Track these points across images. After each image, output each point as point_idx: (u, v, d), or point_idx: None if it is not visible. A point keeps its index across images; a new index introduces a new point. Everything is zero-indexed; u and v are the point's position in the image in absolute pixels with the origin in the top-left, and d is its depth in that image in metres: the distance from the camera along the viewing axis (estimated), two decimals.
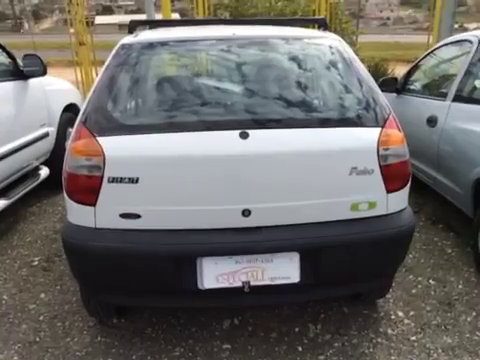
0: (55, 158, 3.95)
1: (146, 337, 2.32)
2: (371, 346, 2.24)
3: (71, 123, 3.30)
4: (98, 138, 1.83)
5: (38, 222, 3.69)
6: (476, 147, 2.82)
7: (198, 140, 1.84)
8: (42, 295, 2.68)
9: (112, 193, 1.83)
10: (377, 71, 8.35)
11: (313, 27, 3.08)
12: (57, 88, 4.37)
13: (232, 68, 2.17)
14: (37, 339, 2.32)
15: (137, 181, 1.80)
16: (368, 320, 2.43)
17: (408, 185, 2.02)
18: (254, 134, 1.83)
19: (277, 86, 2.13)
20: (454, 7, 6.65)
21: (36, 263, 3.04)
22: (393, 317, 2.45)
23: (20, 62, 3.76)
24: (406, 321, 2.42)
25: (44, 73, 3.88)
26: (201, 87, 2.17)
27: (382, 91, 2.13)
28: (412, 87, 4.03)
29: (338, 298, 2.52)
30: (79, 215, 1.90)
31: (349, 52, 2.22)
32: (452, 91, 3.23)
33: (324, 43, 2.30)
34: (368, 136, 1.92)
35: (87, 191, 1.85)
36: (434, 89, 3.75)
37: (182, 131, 1.86)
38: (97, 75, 2.25)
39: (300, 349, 2.23)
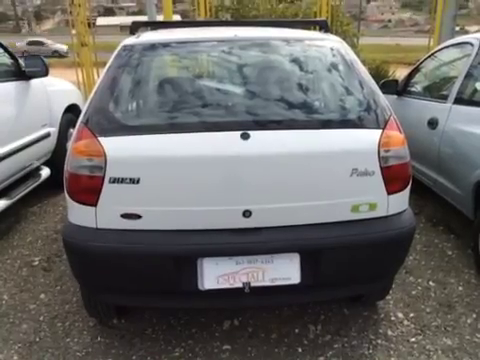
0: (56, 158, 3.98)
1: (146, 338, 2.32)
2: (371, 347, 2.24)
3: (72, 124, 3.32)
4: (100, 138, 1.83)
5: (39, 222, 3.70)
6: (477, 149, 2.82)
7: (199, 141, 1.84)
8: (42, 295, 2.68)
9: (113, 193, 1.83)
10: (378, 73, 8.34)
11: (314, 29, 3.09)
12: (59, 89, 4.38)
13: (233, 69, 2.18)
14: (37, 339, 2.32)
15: (138, 181, 1.80)
16: (368, 321, 2.43)
17: (409, 187, 2.02)
18: (255, 135, 1.84)
19: (278, 87, 2.13)
20: (455, 10, 6.65)
21: (37, 263, 3.04)
22: (393, 319, 2.45)
23: (22, 63, 3.78)
24: (406, 323, 2.42)
25: (46, 74, 3.89)
26: (203, 88, 2.17)
27: (383, 93, 2.13)
28: (413, 89, 4.03)
29: (338, 299, 2.52)
30: (80, 215, 1.91)
31: (350, 54, 2.22)
32: (453, 93, 3.23)
33: (325, 45, 2.30)
34: (369, 138, 1.92)
35: (88, 191, 1.85)
36: (435, 91, 3.75)
37: (183, 132, 1.86)
38: (98, 76, 2.25)
39: (300, 350, 2.23)
